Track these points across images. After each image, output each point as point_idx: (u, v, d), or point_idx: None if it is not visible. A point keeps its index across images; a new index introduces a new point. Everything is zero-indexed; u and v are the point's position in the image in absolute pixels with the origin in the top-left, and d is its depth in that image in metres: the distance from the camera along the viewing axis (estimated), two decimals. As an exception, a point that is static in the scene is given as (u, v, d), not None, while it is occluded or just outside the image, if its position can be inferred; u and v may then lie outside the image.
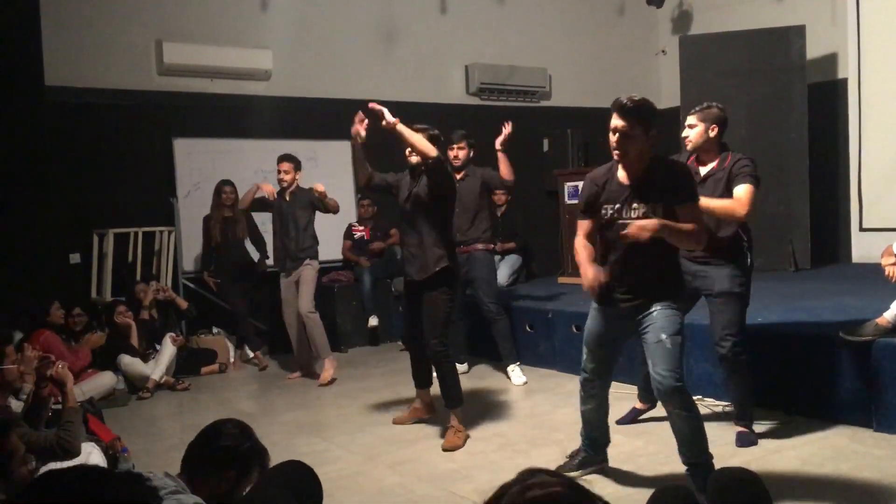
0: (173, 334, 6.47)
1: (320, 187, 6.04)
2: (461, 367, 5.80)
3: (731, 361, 4.02)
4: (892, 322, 4.08)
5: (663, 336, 3.25)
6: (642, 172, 3.27)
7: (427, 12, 8.88)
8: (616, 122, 3.21)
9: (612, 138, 3.24)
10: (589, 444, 3.78)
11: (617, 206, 3.32)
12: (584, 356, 3.62)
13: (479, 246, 5.82)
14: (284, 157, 6.23)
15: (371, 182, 4.75)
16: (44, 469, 3.13)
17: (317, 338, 6.19)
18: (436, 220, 4.44)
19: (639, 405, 4.61)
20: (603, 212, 3.37)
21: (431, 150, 4.26)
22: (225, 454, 2.43)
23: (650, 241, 3.15)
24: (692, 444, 3.33)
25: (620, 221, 3.29)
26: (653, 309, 3.31)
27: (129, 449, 4.23)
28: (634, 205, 3.28)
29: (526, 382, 5.80)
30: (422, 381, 4.89)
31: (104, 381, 5.84)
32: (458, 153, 5.75)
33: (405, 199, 4.54)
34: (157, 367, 6.18)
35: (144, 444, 4.71)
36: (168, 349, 6.30)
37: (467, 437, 4.50)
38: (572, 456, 3.83)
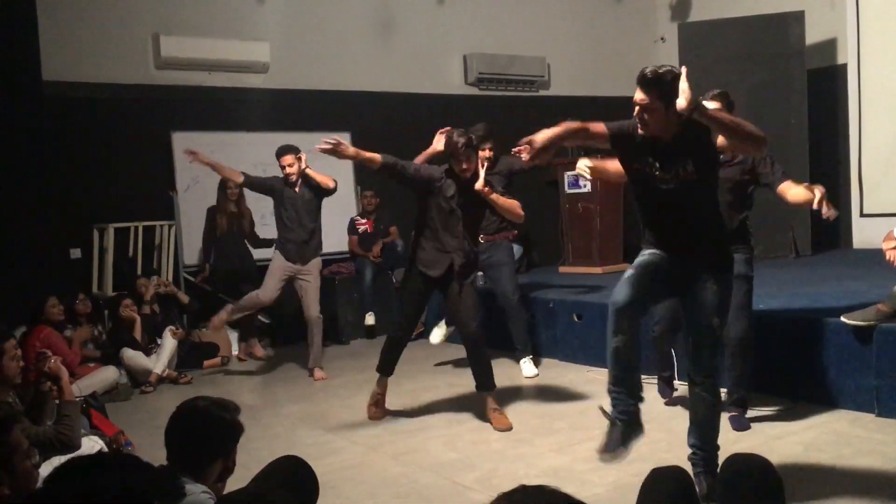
0: (173, 328, 6.47)
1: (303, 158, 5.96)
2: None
3: (739, 345, 4.07)
4: (894, 307, 4.08)
5: (715, 322, 3.18)
6: (671, 139, 3.13)
7: (424, 2, 8.86)
8: (637, 94, 3.09)
9: (635, 111, 3.14)
10: (623, 395, 3.24)
11: (649, 160, 3.17)
12: (623, 285, 3.21)
13: (507, 235, 5.92)
14: (285, 150, 6.06)
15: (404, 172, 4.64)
16: (45, 464, 3.14)
17: (318, 343, 6.19)
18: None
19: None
20: (637, 165, 3.23)
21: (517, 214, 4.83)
22: (211, 440, 2.36)
23: (693, 201, 3.12)
24: (706, 430, 3.30)
25: (656, 174, 3.15)
26: (707, 281, 3.15)
27: (133, 443, 4.25)
28: (660, 165, 3.15)
29: (537, 375, 5.74)
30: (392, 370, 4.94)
31: (107, 375, 5.84)
32: (489, 153, 5.56)
33: (448, 199, 4.57)
34: (159, 361, 6.18)
35: (148, 437, 4.70)
36: (169, 343, 6.30)
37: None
38: (608, 435, 3.28)
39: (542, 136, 3.23)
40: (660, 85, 3.03)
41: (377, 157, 4.54)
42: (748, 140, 3.02)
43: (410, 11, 8.76)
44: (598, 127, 3.29)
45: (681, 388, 4.51)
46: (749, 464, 2.46)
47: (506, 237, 5.91)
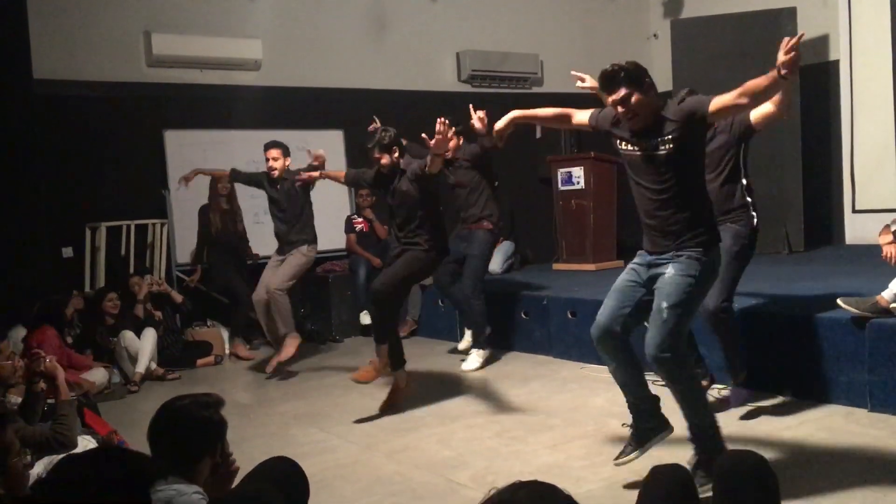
0: (153, 322, 6.45)
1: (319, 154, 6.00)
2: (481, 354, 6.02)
3: (714, 318, 4.12)
4: (890, 301, 4.08)
5: (664, 305, 3.19)
6: (652, 120, 3.21)
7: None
8: (612, 96, 3.17)
9: (619, 110, 3.19)
10: (634, 412, 3.44)
11: (630, 138, 3.27)
12: (601, 310, 3.40)
13: (480, 225, 5.99)
14: (272, 144, 6.11)
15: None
16: (38, 463, 3.13)
17: (282, 311, 6.02)
18: None
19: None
20: (622, 146, 3.33)
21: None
22: (197, 440, 2.33)
23: (674, 181, 3.17)
24: (685, 407, 3.32)
25: (638, 151, 3.25)
26: (668, 269, 3.22)
27: (126, 442, 4.23)
28: (638, 140, 3.25)
29: (476, 370, 5.86)
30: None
31: (95, 377, 5.81)
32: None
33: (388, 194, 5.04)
34: (141, 359, 6.14)
35: (141, 436, 4.68)
36: (149, 340, 6.27)
37: (378, 375, 4.96)
38: (629, 441, 3.47)
39: (501, 121, 3.64)
40: (626, 75, 3.13)
41: (341, 173, 5.32)
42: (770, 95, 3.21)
43: (403, 8, 8.75)
44: (581, 118, 3.54)
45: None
46: (744, 461, 2.46)
47: (480, 227, 5.98)
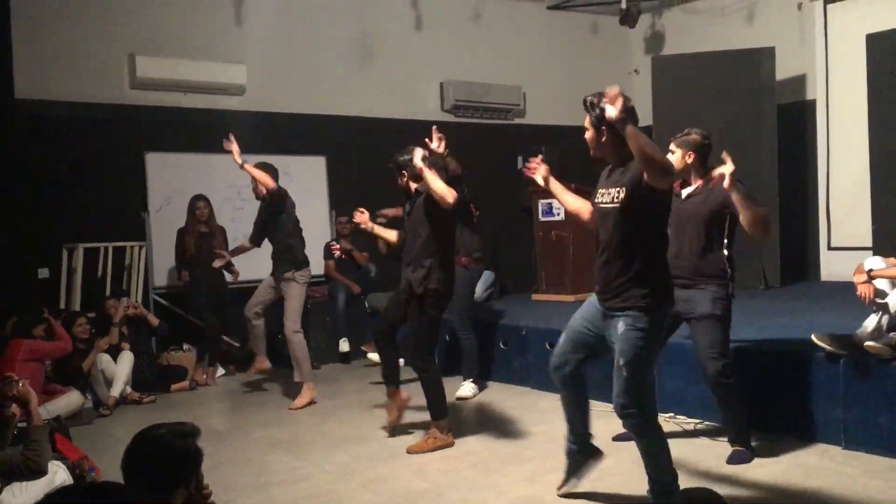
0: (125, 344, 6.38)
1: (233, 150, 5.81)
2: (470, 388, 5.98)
3: (718, 382, 4.04)
4: (864, 340, 4.11)
5: (621, 362, 3.24)
6: (620, 163, 3.30)
7: (402, 29, 8.92)
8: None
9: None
10: (574, 442, 3.69)
11: (599, 185, 3.42)
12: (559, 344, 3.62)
13: (458, 259, 5.79)
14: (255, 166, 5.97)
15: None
16: (7, 489, 3.07)
17: (300, 360, 5.96)
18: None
19: None
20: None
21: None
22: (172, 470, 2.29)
23: (625, 236, 3.23)
24: (649, 464, 3.38)
25: (597, 203, 3.40)
26: (619, 324, 3.26)
27: (97, 468, 4.16)
28: (603, 190, 3.36)
29: (467, 399, 5.85)
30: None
31: (72, 399, 5.72)
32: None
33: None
34: (116, 383, 6.08)
35: (112, 461, 4.62)
36: (125, 363, 6.19)
37: (449, 444, 4.62)
38: (567, 470, 3.74)
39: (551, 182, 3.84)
40: (586, 109, 3.34)
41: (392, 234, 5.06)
42: (648, 165, 3.04)
43: (388, 37, 8.82)
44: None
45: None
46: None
47: (458, 263, 5.68)
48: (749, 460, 4.10)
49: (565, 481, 3.72)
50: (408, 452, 4.57)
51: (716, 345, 4.01)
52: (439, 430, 4.64)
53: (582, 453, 3.69)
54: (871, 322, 4.12)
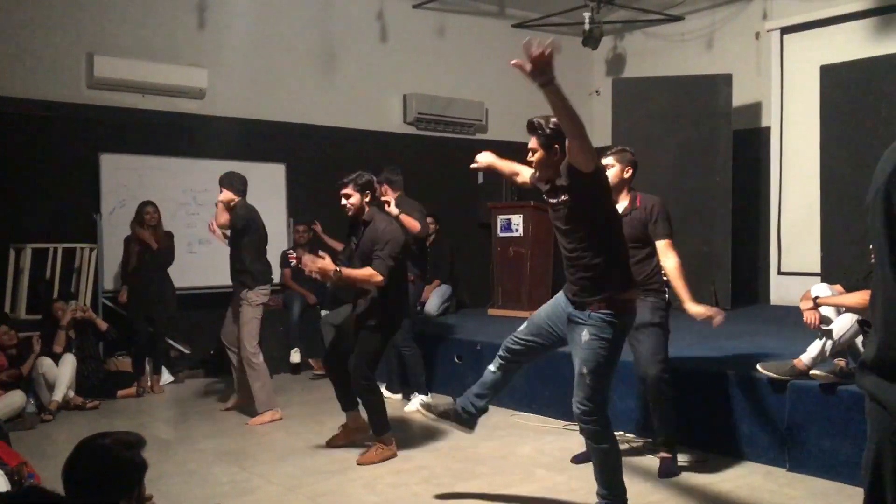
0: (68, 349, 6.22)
1: None
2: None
3: (655, 388, 4.14)
4: (808, 365, 4.22)
5: (584, 370, 3.33)
6: (556, 175, 3.40)
7: (367, 40, 8.90)
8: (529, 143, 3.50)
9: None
10: (474, 406, 3.86)
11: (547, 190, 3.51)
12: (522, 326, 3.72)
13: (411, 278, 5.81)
14: (220, 180, 5.77)
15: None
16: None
17: (256, 390, 5.63)
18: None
19: None
20: (545, 198, 3.54)
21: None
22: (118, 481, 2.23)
23: (578, 230, 3.34)
24: (601, 475, 3.43)
25: (552, 218, 3.49)
26: (583, 332, 3.34)
27: (37, 475, 4.04)
28: (553, 201, 3.46)
29: (414, 410, 5.75)
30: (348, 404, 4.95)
31: (14, 400, 5.58)
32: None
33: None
34: (58, 387, 5.92)
35: (53, 468, 4.50)
36: (67, 367, 6.04)
37: (392, 456, 4.64)
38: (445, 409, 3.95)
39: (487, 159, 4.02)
40: (535, 131, 3.45)
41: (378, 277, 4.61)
42: (568, 122, 3.23)
43: (352, 48, 8.80)
44: (524, 176, 3.82)
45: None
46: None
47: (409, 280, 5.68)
48: (677, 470, 4.20)
49: (443, 413, 3.89)
50: (358, 464, 4.57)
51: (657, 350, 4.14)
52: (384, 443, 4.70)
53: (468, 420, 3.87)
54: (814, 347, 4.22)
